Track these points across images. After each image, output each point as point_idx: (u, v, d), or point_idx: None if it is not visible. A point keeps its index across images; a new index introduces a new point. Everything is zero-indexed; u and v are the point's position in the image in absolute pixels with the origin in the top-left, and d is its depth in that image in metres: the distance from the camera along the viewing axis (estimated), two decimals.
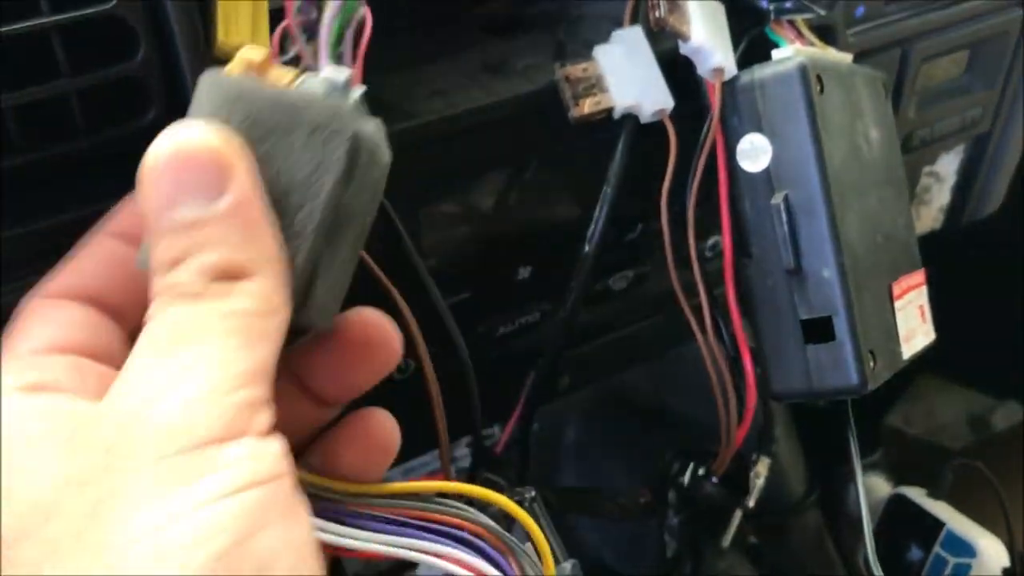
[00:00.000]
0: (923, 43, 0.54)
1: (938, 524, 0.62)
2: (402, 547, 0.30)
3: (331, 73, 0.30)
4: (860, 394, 0.40)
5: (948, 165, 0.62)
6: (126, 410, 0.25)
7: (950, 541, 0.61)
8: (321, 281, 0.29)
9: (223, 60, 0.34)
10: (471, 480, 0.44)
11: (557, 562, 0.38)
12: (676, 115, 0.42)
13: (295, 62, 0.32)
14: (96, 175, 0.35)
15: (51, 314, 0.29)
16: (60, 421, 0.25)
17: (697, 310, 0.44)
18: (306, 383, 0.32)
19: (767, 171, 0.40)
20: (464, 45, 0.44)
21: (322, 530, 0.29)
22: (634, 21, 0.41)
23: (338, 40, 0.31)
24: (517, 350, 0.48)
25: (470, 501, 0.32)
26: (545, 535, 0.32)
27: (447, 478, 0.37)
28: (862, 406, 0.51)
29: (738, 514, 0.56)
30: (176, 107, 0.35)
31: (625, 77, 0.40)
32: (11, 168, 0.33)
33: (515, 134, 0.42)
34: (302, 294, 0.28)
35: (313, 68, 0.31)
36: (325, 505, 0.30)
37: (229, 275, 0.26)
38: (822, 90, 0.40)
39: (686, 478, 0.54)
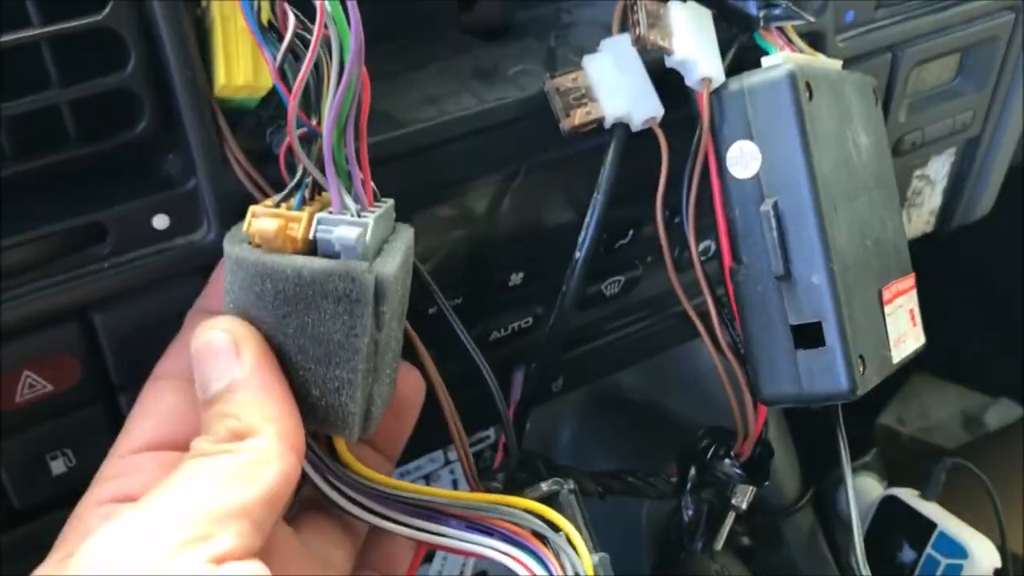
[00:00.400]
0: (914, 47, 0.54)
1: (930, 525, 0.62)
2: (480, 546, 0.34)
3: (344, 232, 0.31)
4: (850, 399, 0.40)
5: (939, 168, 0.63)
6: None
7: (942, 542, 0.62)
8: (375, 404, 0.33)
9: (226, 101, 0.34)
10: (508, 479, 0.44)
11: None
12: (668, 121, 0.42)
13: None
14: (89, 184, 0.35)
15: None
16: None
17: (699, 310, 0.44)
18: (377, 448, 0.38)
19: (757, 178, 0.40)
20: (455, 51, 0.44)
21: (420, 530, 0.34)
22: (623, 29, 0.41)
23: (344, 158, 0.32)
24: (510, 354, 0.48)
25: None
26: (580, 527, 0.36)
27: (470, 480, 0.39)
28: (856, 406, 0.51)
29: (731, 515, 0.56)
30: (168, 117, 0.35)
31: (614, 87, 0.41)
32: (4, 178, 0.33)
33: (506, 140, 0.42)
34: (362, 424, 0.33)
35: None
36: (410, 508, 0.34)
37: (236, 436, 0.30)
38: (811, 97, 0.40)
39: (708, 456, 0.53)
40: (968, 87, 0.59)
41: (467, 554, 0.35)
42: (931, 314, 0.49)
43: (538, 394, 0.49)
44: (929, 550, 0.62)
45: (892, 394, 1.24)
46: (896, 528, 0.65)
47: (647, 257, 0.51)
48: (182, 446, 0.32)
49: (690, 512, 0.49)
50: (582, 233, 0.42)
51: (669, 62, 0.41)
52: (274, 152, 0.34)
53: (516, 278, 0.46)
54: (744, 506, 0.53)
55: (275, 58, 0.31)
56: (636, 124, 0.41)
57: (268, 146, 0.35)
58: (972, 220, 0.67)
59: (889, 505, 0.66)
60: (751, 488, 0.52)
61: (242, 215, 0.36)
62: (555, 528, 0.34)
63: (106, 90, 0.33)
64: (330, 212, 0.31)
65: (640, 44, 0.40)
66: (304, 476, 0.34)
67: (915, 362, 0.46)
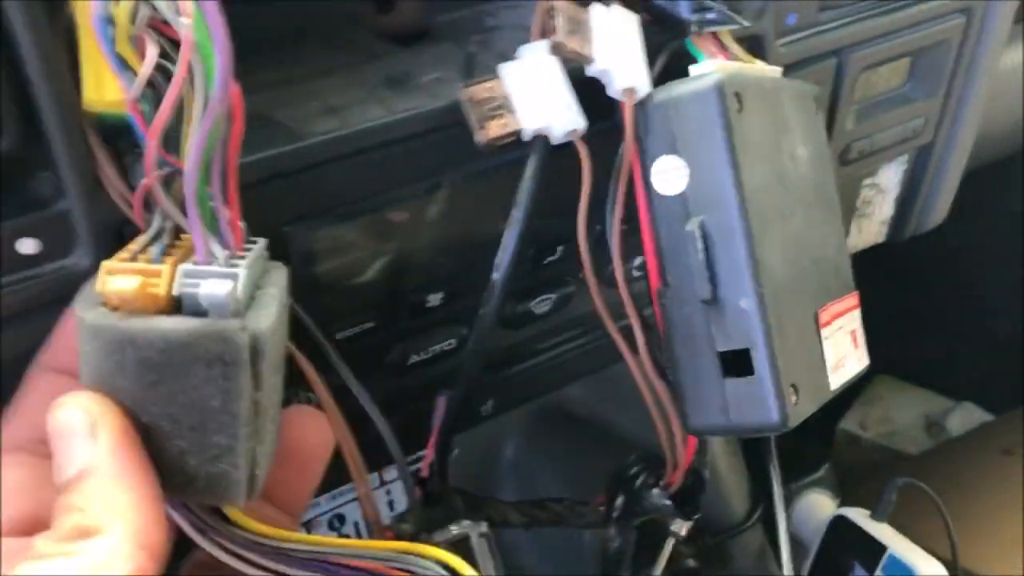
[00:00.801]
0: (860, 52, 0.52)
1: (880, 548, 0.61)
2: None
3: (212, 288, 0.28)
4: (780, 431, 0.38)
5: (890, 177, 0.61)
6: None
7: (892, 566, 0.60)
8: (259, 466, 0.30)
9: (95, 115, 0.31)
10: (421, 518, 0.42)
11: None
12: (594, 133, 0.40)
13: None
14: None
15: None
16: None
17: (626, 331, 0.42)
18: (278, 504, 0.35)
19: (683, 195, 0.38)
20: (367, 57, 0.41)
21: None
22: (544, 35, 0.38)
23: (208, 196, 0.29)
24: (432, 379, 0.46)
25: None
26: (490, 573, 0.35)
27: (372, 525, 0.37)
28: (816, 411, 0.49)
29: (670, 542, 0.54)
30: (35, 133, 0.32)
31: (533, 97, 0.38)
32: None
33: (419, 154, 0.39)
34: (248, 487, 0.30)
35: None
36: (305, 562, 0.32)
37: (81, 534, 0.27)
38: (741, 108, 0.38)
39: (637, 484, 0.51)
40: (919, 92, 0.57)
41: None
42: (895, 318, 0.47)
43: (464, 419, 0.46)
44: (879, 573, 0.60)
45: (854, 397, 1.23)
46: (847, 549, 0.63)
47: (580, 273, 0.48)
48: (37, 529, 0.28)
49: (616, 544, 0.46)
50: (500, 253, 0.40)
51: (590, 71, 0.38)
52: (131, 188, 0.31)
53: (435, 299, 0.44)
54: (683, 532, 0.51)
55: (130, 89, 0.28)
56: (556, 137, 0.38)
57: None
58: (925, 229, 0.65)
59: (839, 525, 0.64)
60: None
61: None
62: None
63: None
64: (195, 262, 0.29)
65: (558, 52, 0.37)
66: (190, 540, 0.31)
67: (878, 365, 0.44)
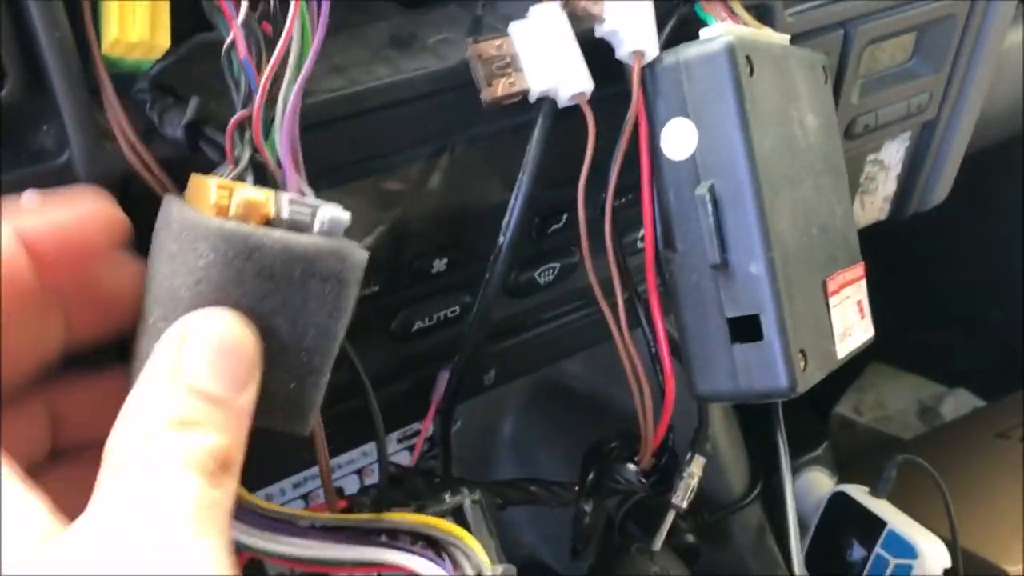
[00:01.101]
0: (867, 24, 0.51)
1: (880, 523, 0.60)
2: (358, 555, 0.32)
3: (332, 212, 0.29)
4: (789, 397, 0.38)
5: (894, 153, 0.60)
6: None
7: (891, 541, 0.60)
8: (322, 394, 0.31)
9: (116, 63, 0.31)
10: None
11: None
12: (601, 97, 0.39)
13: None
14: None
15: None
16: None
17: (615, 306, 0.42)
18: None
19: (693, 159, 0.38)
20: (371, 18, 0.41)
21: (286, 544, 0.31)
22: None
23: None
24: (435, 346, 0.45)
25: None
26: (484, 539, 0.34)
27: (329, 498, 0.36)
28: (810, 395, 0.48)
29: (671, 514, 0.54)
30: (39, 83, 0.31)
31: (541, 57, 0.37)
32: None
33: (425, 115, 0.38)
34: (307, 417, 0.30)
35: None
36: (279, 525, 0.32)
37: (226, 465, 0.26)
38: (752, 72, 0.37)
39: (612, 457, 0.51)
40: (924, 68, 0.57)
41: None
42: (888, 303, 0.47)
43: (467, 388, 0.46)
44: (879, 549, 0.60)
45: (848, 383, 1.23)
46: (846, 525, 0.63)
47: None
48: None
49: (586, 518, 0.46)
50: (507, 216, 0.39)
51: (599, 31, 0.38)
52: (169, 134, 0.32)
53: (440, 264, 0.43)
54: (684, 504, 0.51)
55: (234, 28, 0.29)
56: (563, 99, 0.38)
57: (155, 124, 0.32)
58: (927, 207, 0.65)
59: (839, 502, 0.64)
60: (691, 485, 0.50)
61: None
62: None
63: None
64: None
65: (569, 8, 0.37)
66: None
67: (872, 351, 0.44)
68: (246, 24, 0.30)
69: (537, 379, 0.74)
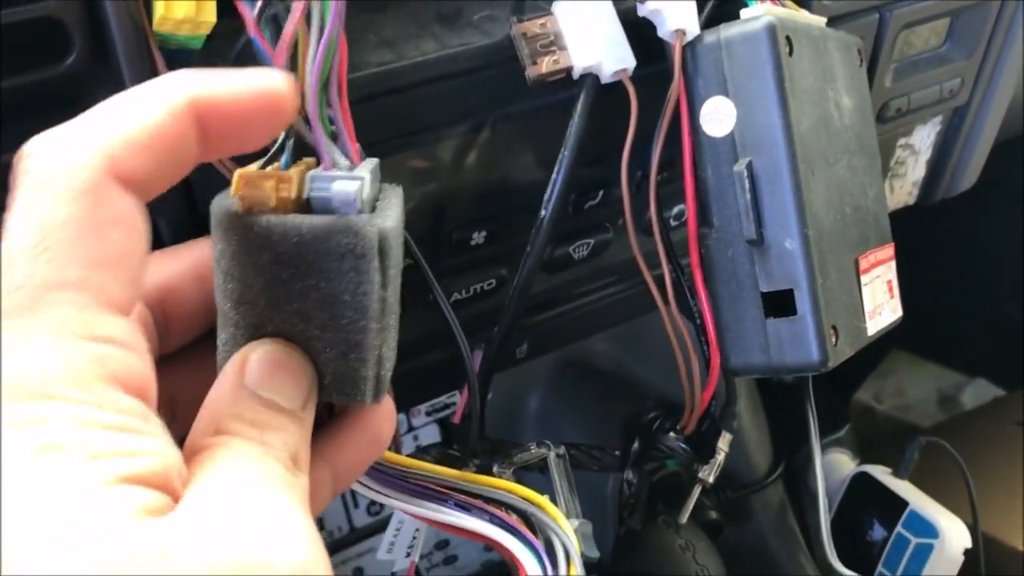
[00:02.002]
0: (901, 8, 0.52)
1: (901, 503, 0.61)
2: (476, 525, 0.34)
3: (342, 186, 0.29)
4: (820, 371, 0.38)
5: (924, 138, 0.61)
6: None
7: (913, 521, 0.60)
8: (384, 368, 0.31)
9: (167, 38, 0.32)
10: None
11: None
12: (641, 76, 0.40)
13: None
14: (12, 121, 0.32)
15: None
16: None
17: (659, 280, 0.43)
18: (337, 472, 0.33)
19: (731, 136, 0.38)
20: None
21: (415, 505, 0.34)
22: None
23: (327, 118, 0.30)
24: (470, 318, 0.46)
25: None
26: (564, 491, 0.38)
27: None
28: (831, 381, 0.49)
29: (697, 488, 0.55)
30: (101, 51, 0.32)
31: (585, 35, 0.38)
32: None
33: (470, 90, 0.39)
34: (374, 388, 0.31)
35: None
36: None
37: (297, 462, 0.27)
38: (791, 51, 0.38)
39: (653, 428, 0.52)
40: (957, 53, 0.57)
41: (464, 532, 0.35)
42: (909, 292, 0.47)
43: (501, 360, 0.47)
44: (899, 528, 0.60)
45: (868, 371, 1.23)
46: (866, 506, 0.63)
47: (618, 220, 0.49)
48: None
49: (631, 487, 0.47)
50: (548, 190, 0.40)
51: (641, 10, 0.39)
52: None
53: (479, 237, 0.44)
54: (711, 479, 0.52)
55: (253, 9, 0.29)
56: (606, 75, 0.39)
57: None
58: (955, 193, 0.65)
59: (860, 482, 0.65)
60: (717, 461, 0.51)
61: None
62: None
63: (32, 18, 0.31)
64: (321, 171, 0.30)
65: None
66: None
67: (892, 340, 0.45)
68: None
69: (562, 357, 0.75)
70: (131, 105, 0.25)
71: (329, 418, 0.33)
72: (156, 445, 0.23)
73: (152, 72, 0.33)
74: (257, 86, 0.26)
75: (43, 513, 0.20)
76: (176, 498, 0.23)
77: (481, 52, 0.39)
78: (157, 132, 0.24)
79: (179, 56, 0.34)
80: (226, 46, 0.34)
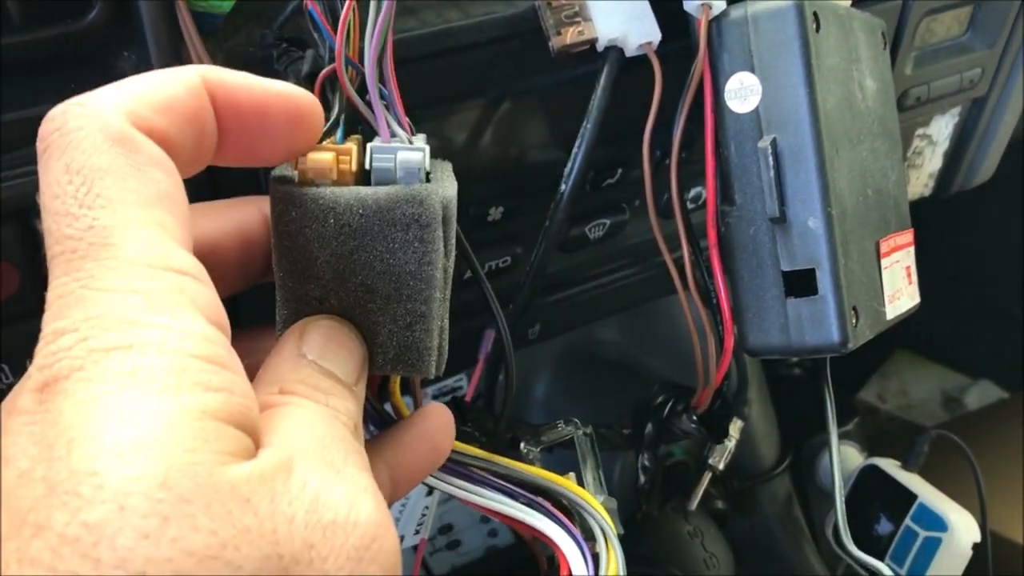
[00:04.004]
0: None
1: (910, 496, 0.61)
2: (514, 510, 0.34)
3: (407, 156, 0.29)
4: (841, 353, 0.38)
5: (942, 128, 0.60)
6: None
7: (921, 514, 0.60)
8: (444, 339, 0.31)
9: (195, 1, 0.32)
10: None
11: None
12: (665, 52, 0.40)
13: None
14: (35, 78, 0.32)
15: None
16: None
17: (678, 261, 0.42)
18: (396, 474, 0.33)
19: (756, 112, 0.38)
20: None
21: (464, 490, 0.34)
22: None
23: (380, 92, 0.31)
24: (484, 296, 0.46)
25: None
26: (592, 469, 0.38)
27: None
28: (836, 379, 0.49)
29: (707, 475, 0.54)
30: (124, 10, 0.32)
31: (610, 7, 0.38)
32: None
33: (492, 60, 0.39)
34: (436, 359, 0.31)
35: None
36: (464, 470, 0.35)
37: (356, 429, 0.28)
38: (818, 28, 0.38)
39: (666, 411, 0.52)
40: (978, 43, 0.57)
41: (510, 520, 0.35)
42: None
43: (514, 339, 0.46)
44: (908, 522, 0.60)
45: (873, 368, 1.23)
46: (874, 499, 0.63)
47: (635, 201, 0.48)
48: None
49: (647, 473, 0.47)
50: (569, 164, 0.40)
51: None
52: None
53: (496, 213, 0.44)
54: (721, 466, 0.51)
55: None
56: (631, 48, 0.38)
57: (277, 72, 0.33)
58: (971, 186, 0.65)
59: (869, 475, 0.64)
60: (728, 448, 0.51)
61: None
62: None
63: None
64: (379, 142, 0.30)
65: None
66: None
67: (897, 340, 0.44)
68: None
69: (569, 344, 0.74)
70: (148, 77, 0.25)
71: (392, 423, 0.33)
72: (240, 383, 0.23)
73: (176, 35, 0.32)
74: (279, 92, 0.27)
75: (128, 440, 0.20)
76: (257, 443, 0.23)
77: (505, 21, 0.38)
78: (173, 98, 0.25)
79: (207, 20, 0.33)
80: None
